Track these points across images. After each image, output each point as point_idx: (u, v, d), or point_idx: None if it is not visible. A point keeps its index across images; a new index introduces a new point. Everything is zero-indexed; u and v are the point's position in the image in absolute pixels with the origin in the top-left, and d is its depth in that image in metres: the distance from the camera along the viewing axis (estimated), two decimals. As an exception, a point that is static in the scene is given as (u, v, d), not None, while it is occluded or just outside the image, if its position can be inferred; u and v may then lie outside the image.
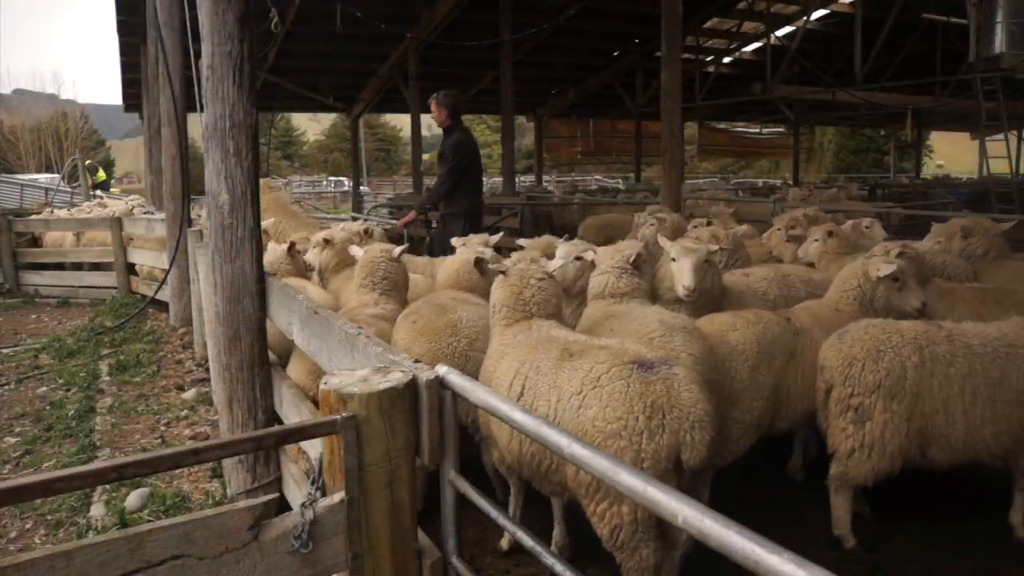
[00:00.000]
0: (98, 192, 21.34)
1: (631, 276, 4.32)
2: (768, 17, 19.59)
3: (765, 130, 32.91)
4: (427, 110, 8.72)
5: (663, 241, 4.77)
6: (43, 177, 34.65)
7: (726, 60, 24.20)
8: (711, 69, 23.12)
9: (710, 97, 21.91)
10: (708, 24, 21.52)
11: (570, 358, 3.17)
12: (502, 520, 2.27)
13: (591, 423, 2.92)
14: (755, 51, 24.00)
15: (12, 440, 5.54)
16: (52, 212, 14.31)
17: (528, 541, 2.15)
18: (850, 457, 3.77)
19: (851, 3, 18.98)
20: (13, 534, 4.13)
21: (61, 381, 6.90)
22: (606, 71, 24.36)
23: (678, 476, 2.93)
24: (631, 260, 4.33)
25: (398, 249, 5.11)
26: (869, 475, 3.75)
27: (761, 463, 4.62)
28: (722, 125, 31.47)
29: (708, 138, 30.75)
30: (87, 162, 23.25)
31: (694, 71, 21.45)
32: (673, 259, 4.53)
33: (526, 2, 17.07)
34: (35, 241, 12.36)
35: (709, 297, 4.54)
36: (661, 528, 2.97)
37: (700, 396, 2.96)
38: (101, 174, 22.64)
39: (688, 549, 3.12)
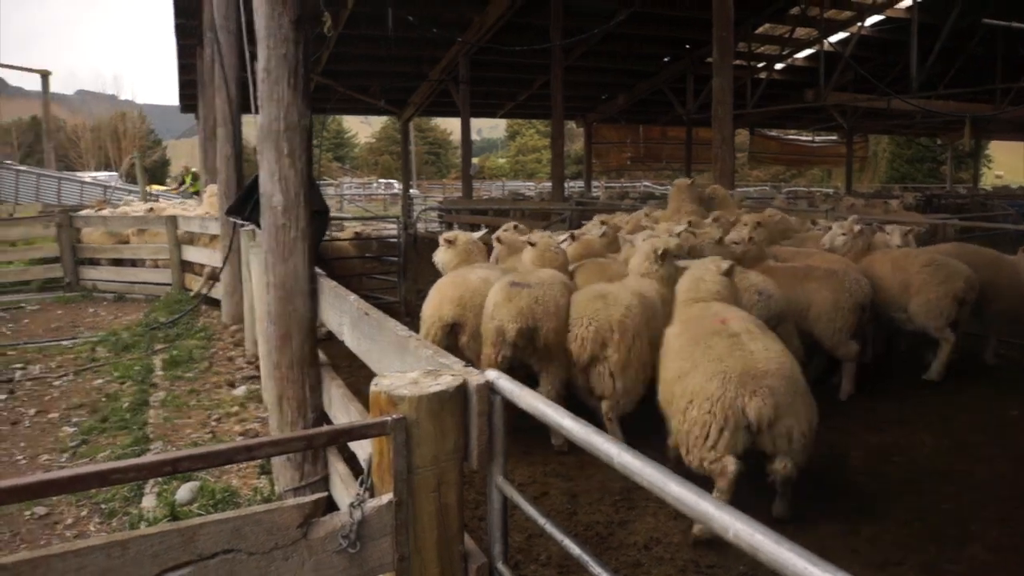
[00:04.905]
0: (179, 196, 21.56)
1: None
2: (821, 23, 19.22)
3: (818, 138, 32.40)
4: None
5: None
6: (102, 175, 35.66)
7: (778, 66, 23.83)
8: (763, 75, 22.79)
9: (762, 104, 21.61)
10: (760, 30, 21.23)
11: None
12: (549, 527, 2.25)
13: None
14: (808, 57, 23.60)
15: (69, 430, 5.70)
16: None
17: (575, 549, 2.12)
18: None
19: (907, 9, 18.57)
20: (69, 520, 4.24)
21: (116, 374, 7.07)
22: (656, 77, 24.18)
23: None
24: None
25: None
26: None
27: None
28: (773, 132, 31.06)
29: (759, 145, 30.39)
30: (192, 169, 23.32)
31: (745, 77, 21.16)
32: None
33: (577, 7, 17.05)
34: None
35: None
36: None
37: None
38: (196, 184, 22.34)
39: None
